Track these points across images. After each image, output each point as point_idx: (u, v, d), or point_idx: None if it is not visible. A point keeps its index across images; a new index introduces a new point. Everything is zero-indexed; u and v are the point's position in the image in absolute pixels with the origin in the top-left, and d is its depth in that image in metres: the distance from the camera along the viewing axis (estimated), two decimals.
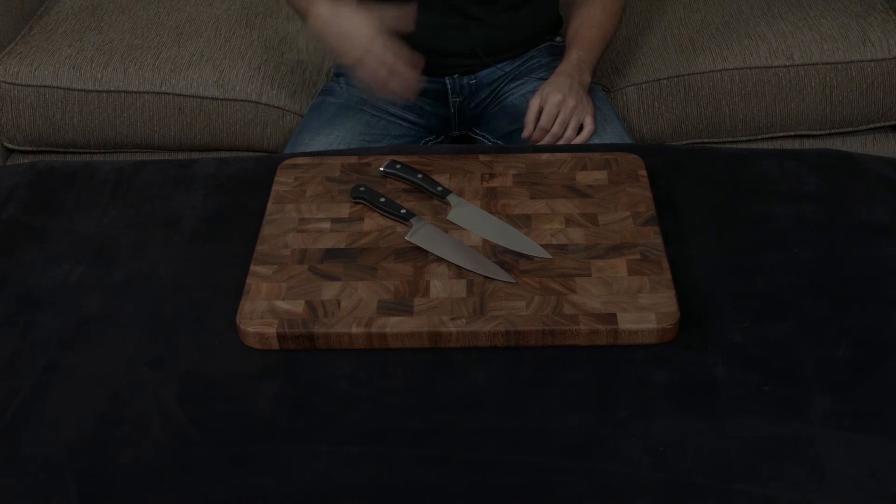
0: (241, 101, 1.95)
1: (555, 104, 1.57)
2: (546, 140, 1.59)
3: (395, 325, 1.14)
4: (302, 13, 1.64)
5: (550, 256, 1.23)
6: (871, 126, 2.04)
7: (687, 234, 1.29)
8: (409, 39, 1.53)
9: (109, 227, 1.34)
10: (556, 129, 1.57)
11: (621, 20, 1.76)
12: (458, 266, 1.22)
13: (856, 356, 1.12)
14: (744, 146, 2.02)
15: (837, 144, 2.05)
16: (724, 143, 2.02)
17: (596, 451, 1.02)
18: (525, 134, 1.60)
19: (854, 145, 2.05)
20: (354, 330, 1.14)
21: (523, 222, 1.29)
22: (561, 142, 1.58)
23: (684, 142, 2.02)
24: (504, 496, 0.99)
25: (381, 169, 1.37)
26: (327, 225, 1.30)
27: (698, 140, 2.01)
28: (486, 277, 1.20)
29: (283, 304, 1.18)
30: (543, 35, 1.81)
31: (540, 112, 1.59)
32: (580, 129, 1.59)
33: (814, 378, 1.10)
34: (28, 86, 1.95)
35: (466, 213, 1.30)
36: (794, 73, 1.95)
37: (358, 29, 1.50)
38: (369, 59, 1.50)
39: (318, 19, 1.56)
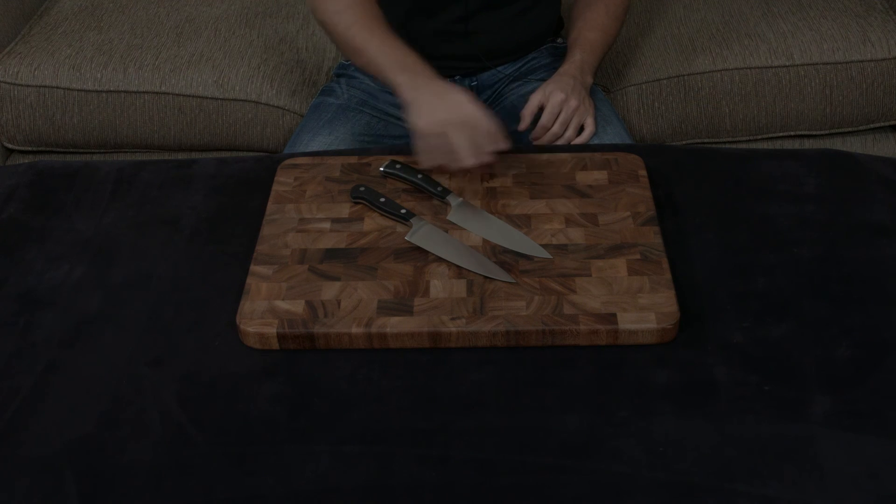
0: (241, 100, 1.95)
1: (557, 103, 1.56)
2: (546, 139, 1.58)
3: (395, 325, 1.14)
4: (381, 79, 1.53)
5: (550, 256, 1.23)
6: (871, 126, 2.04)
7: (687, 234, 1.29)
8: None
9: (109, 227, 1.33)
10: (556, 128, 1.57)
11: (623, 24, 1.75)
12: (458, 266, 1.22)
13: (856, 356, 1.12)
14: (744, 146, 2.02)
15: (837, 144, 2.05)
16: (724, 143, 2.02)
17: (596, 451, 1.02)
18: (521, 127, 1.60)
19: (854, 145, 2.05)
20: (354, 330, 1.14)
21: (523, 222, 1.29)
22: (560, 142, 1.57)
23: (684, 142, 2.02)
24: (504, 496, 0.99)
25: (381, 169, 1.37)
26: (327, 225, 1.29)
27: (698, 140, 2.01)
28: (486, 277, 1.20)
29: (283, 304, 1.17)
30: (545, 37, 1.81)
31: (540, 108, 1.58)
32: (580, 130, 1.59)
33: (814, 378, 1.10)
34: (28, 86, 1.95)
35: (466, 213, 1.30)
36: (794, 73, 1.94)
37: (454, 94, 1.36)
38: (458, 131, 1.33)
39: (402, 87, 1.43)
